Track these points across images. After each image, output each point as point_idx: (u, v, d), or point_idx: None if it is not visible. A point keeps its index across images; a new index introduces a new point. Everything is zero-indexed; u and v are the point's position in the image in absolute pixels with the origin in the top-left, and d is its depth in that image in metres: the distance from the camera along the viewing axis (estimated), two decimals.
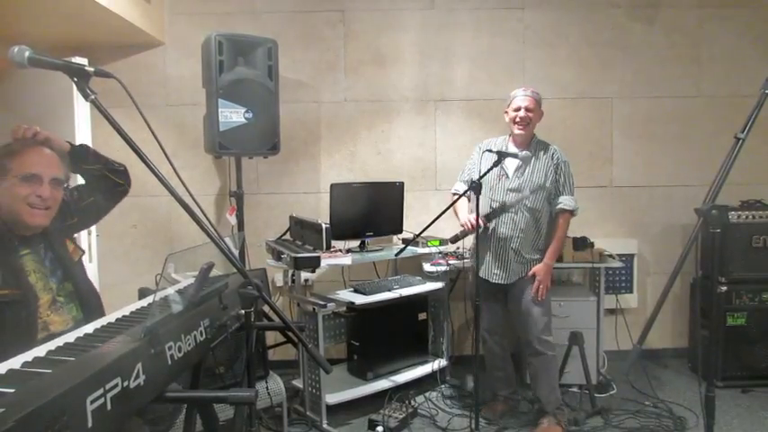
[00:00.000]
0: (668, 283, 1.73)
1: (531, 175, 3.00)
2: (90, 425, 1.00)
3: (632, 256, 4.02)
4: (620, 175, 4.12)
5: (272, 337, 3.86)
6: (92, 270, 3.42)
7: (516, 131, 3.00)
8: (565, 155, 3.06)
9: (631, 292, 4.06)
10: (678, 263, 1.60)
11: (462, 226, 3.05)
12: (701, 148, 4.02)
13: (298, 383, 3.41)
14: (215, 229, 1.46)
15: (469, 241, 3.22)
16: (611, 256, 3.72)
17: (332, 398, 3.21)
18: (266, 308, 3.07)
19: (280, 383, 2.99)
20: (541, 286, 2.98)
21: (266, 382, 2.84)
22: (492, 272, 3.08)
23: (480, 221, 2.93)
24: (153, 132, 1.49)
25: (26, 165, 1.72)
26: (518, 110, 2.96)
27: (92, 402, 1.02)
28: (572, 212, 3.03)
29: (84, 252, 2.03)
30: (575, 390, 3.53)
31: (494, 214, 3.04)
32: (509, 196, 3.01)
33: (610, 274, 3.93)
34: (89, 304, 1.85)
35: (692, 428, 3.08)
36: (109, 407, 1.06)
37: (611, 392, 3.58)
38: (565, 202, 3.01)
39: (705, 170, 3.95)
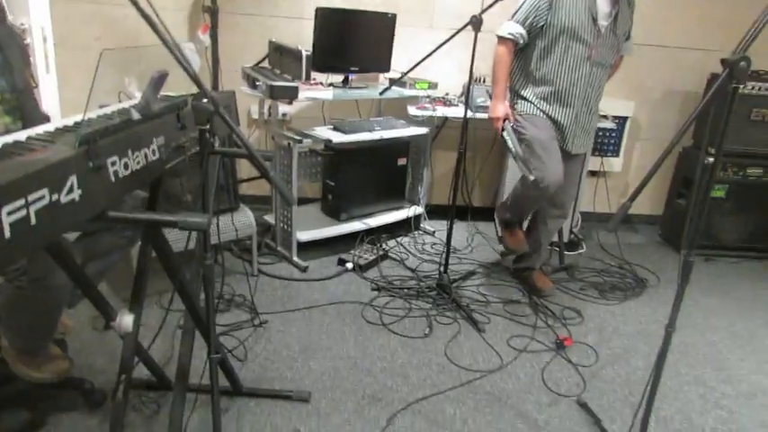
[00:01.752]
0: (674, 139, 1.56)
1: (622, 27, 2.60)
2: (8, 237, 0.88)
3: (626, 119, 3.85)
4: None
5: (246, 170, 3.74)
6: (51, 83, 3.14)
7: None
8: None
9: (617, 155, 3.96)
10: (688, 120, 1.43)
11: (498, 122, 2.67)
12: (721, 11, 3.68)
13: (270, 219, 3.37)
14: (170, 35, 1.23)
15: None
16: (605, 116, 3.54)
17: (303, 235, 3.19)
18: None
19: (250, 216, 2.92)
20: None
21: (232, 214, 2.76)
22: (577, 143, 2.73)
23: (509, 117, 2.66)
24: None
25: None
26: None
27: (9, 214, 0.88)
28: None
29: (37, 86, 1.82)
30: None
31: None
32: (603, 52, 2.58)
33: (599, 135, 3.79)
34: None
35: (651, 287, 3.19)
36: (33, 220, 0.93)
37: (581, 251, 3.64)
38: (630, 45, 2.76)
39: (721, 36, 3.66)
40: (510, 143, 2.67)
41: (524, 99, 2.71)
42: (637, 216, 4.19)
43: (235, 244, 3.18)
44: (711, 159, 1.54)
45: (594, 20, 2.51)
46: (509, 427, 2.01)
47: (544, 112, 2.67)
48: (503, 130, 2.66)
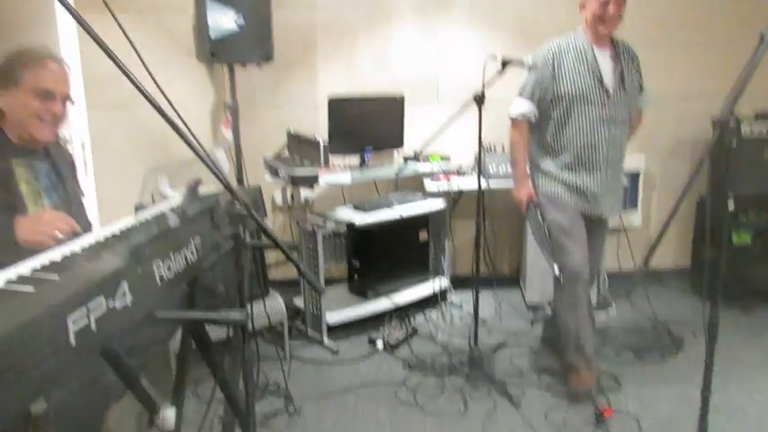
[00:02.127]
0: (677, 201, 1.63)
1: (629, 81, 2.59)
2: (74, 344, 0.95)
3: (638, 173, 3.91)
4: None
5: (273, 256, 3.84)
6: (88, 185, 3.36)
7: (600, 30, 2.51)
8: None
9: (636, 210, 3.99)
10: (690, 178, 1.49)
11: (522, 204, 2.71)
12: (719, 53, 3.79)
13: (299, 302, 3.42)
14: (200, 144, 1.36)
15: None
16: None
17: (332, 317, 3.23)
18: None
19: (280, 302, 2.99)
20: None
21: (264, 302, 2.82)
22: (608, 206, 2.67)
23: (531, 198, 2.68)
24: (128, 38, 1.34)
25: (41, 79, 1.68)
26: (606, 3, 2.44)
27: (74, 322, 0.96)
28: None
29: (84, 195, 1.99)
30: None
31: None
32: (617, 111, 2.57)
33: None
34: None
35: (689, 346, 3.11)
36: (94, 327, 1.01)
37: (610, 312, 3.59)
38: (646, 98, 2.77)
39: (722, 78, 3.71)
40: (532, 229, 2.69)
41: (545, 174, 2.67)
42: (664, 270, 4.15)
43: (267, 330, 3.22)
44: (732, 206, 1.58)
45: (600, 81, 2.53)
46: None
47: (568, 184, 2.61)
48: (527, 210, 2.67)
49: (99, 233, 1.47)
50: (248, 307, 1.33)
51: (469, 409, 2.56)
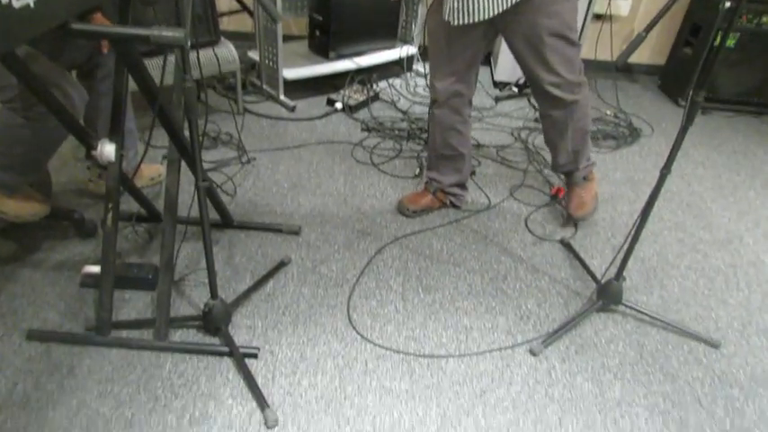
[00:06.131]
0: None
1: None
2: None
3: None
4: None
5: (225, 4, 3.47)
6: None
7: None
8: None
9: None
10: None
11: None
12: None
13: (254, 55, 3.18)
14: None
15: None
16: None
17: (290, 73, 3.04)
18: None
19: (232, 51, 2.75)
20: None
21: (213, 48, 2.59)
22: (457, 7, 1.81)
23: None
24: None
25: None
26: None
27: None
28: None
29: None
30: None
31: None
32: None
33: None
34: None
35: (645, 137, 3.15)
36: None
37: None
38: None
39: None
40: None
41: None
42: (636, 65, 4.03)
43: (218, 82, 3.04)
44: (729, 3, 1.45)
45: None
46: (492, 260, 2.08)
47: None
48: None
49: None
50: (188, 27, 1.14)
51: (424, 172, 2.58)
